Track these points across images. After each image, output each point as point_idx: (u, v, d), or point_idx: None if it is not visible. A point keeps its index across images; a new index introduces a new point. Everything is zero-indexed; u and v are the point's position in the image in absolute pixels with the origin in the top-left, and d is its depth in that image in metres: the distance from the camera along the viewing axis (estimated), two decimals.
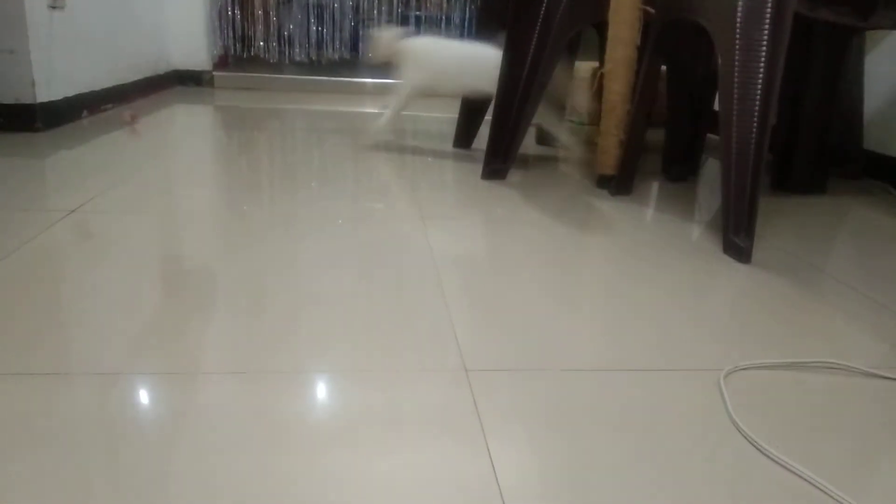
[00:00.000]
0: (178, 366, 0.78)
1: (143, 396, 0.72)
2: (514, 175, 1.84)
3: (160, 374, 0.76)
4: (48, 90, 2.12)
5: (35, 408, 0.68)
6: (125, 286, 0.99)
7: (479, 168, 1.82)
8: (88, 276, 1.02)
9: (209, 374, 0.76)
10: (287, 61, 3.74)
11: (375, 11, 3.72)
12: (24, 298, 0.93)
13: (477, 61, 1.90)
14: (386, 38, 1.98)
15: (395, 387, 0.76)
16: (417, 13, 3.82)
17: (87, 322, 0.87)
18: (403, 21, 3.74)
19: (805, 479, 0.63)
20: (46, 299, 0.93)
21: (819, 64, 1.72)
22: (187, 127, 2.36)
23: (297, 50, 3.74)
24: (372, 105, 3.22)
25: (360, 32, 3.74)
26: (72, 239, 1.18)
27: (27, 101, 2.05)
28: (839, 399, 0.79)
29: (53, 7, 2.15)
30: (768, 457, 0.66)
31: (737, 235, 1.25)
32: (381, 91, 3.61)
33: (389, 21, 3.73)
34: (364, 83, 3.64)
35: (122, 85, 2.74)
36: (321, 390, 0.75)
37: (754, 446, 0.68)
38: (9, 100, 2.04)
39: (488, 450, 0.65)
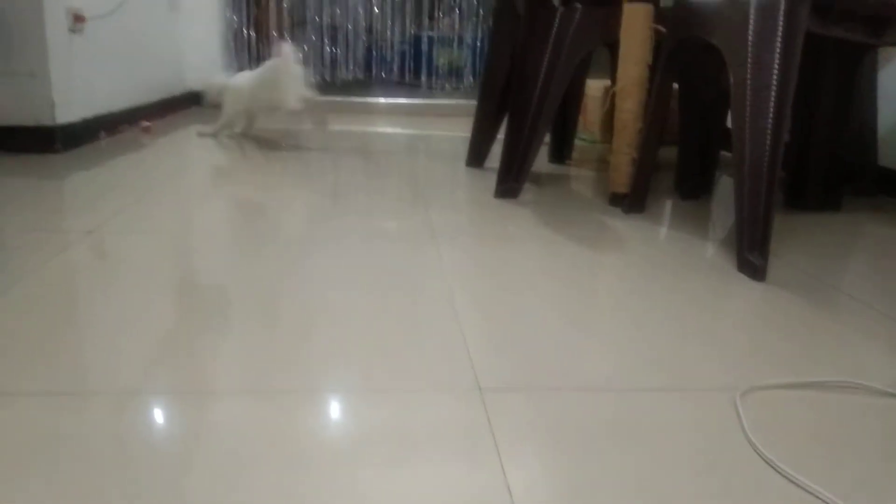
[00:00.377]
0: (192, 385, 0.78)
1: (158, 416, 0.72)
2: (527, 193, 1.85)
3: (174, 393, 0.76)
4: (67, 112, 2.16)
5: (51, 427, 0.69)
6: (141, 305, 1.00)
7: (491, 186, 1.83)
8: (105, 296, 1.03)
9: (223, 393, 0.77)
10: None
11: (388, 32, 3.76)
12: (41, 318, 0.94)
13: (267, 82, 2.39)
14: (213, 84, 2.55)
15: (408, 406, 0.76)
16: (430, 33, 3.85)
17: (103, 341, 0.88)
18: (416, 41, 3.77)
19: (822, 500, 0.63)
20: (63, 319, 0.94)
21: (831, 81, 1.72)
22: (202, 147, 2.39)
23: (312, 70, 3.78)
24: (385, 124, 3.25)
25: (374, 53, 3.78)
26: (89, 259, 1.19)
27: (47, 123, 2.08)
28: (857, 418, 0.78)
29: (73, 31, 2.20)
30: (785, 477, 0.66)
31: (751, 253, 1.25)
32: (395, 111, 3.64)
33: (403, 42, 3.76)
34: (377, 103, 3.67)
35: (139, 106, 2.78)
36: (334, 409, 0.75)
37: (771, 466, 0.67)
38: (29, 122, 2.08)
39: (503, 469, 0.65)
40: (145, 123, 2.43)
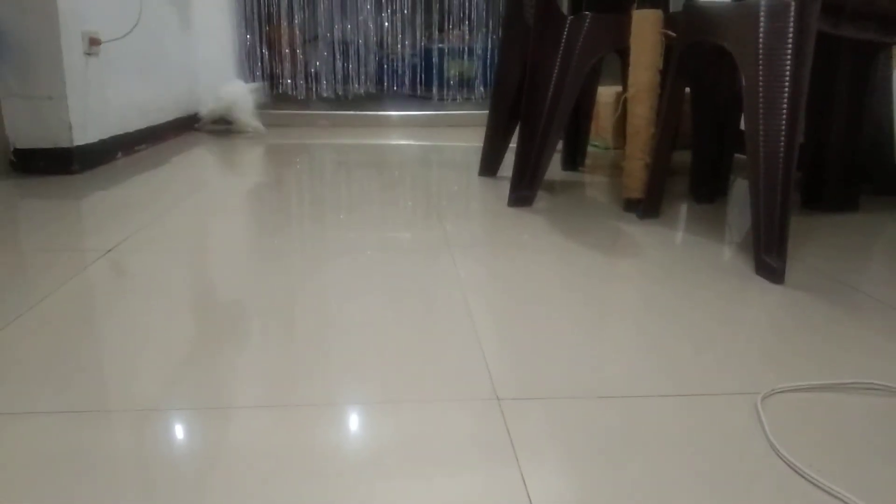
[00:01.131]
0: (212, 400, 0.79)
1: (178, 432, 0.73)
2: (541, 201, 1.85)
3: (194, 409, 0.77)
4: (84, 134, 2.19)
5: (70, 444, 0.69)
6: (159, 322, 1.01)
7: (505, 195, 1.83)
8: (123, 314, 1.04)
9: (242, 409, 0.77)
10: (314, 97, 3.81)
11: (399, 46, 3.79)
12: (61, 336, 0.95)
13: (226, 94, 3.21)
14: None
15: (427, 417, 0.76)
16: (440, 45, 3.88)
17: (123, 358, 0.89)
18: (427, 54, 3.80)
19: (846, 503, 0.62)
20: (83, 336, 0.96)
21: (845, 80, 1.71)
22: (217, 164, 2.42)
23: (324, 86, 3.81)
24: (398, 137, 3.27)
25: (385, 66, 3.81)
26: (108, 277, 1.21)
27: (64, 144, 2.12)
28: (880, 420, 0.77)
29: (89, 53, 2.23)
30: (809, 480, 0.65)
31: (769, 255, 1.24)
32: (407, 123, 3.66)
33: (413, 55, 3.78)
34: (390, 116, 3.70)
35: (154, 126, 2.82)
36: (353, 422, 0.75)
37: (794, 470, 0.66)
38: (48, 144, 2.11)
39: (523, 479, 0.65)
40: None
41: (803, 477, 0.66)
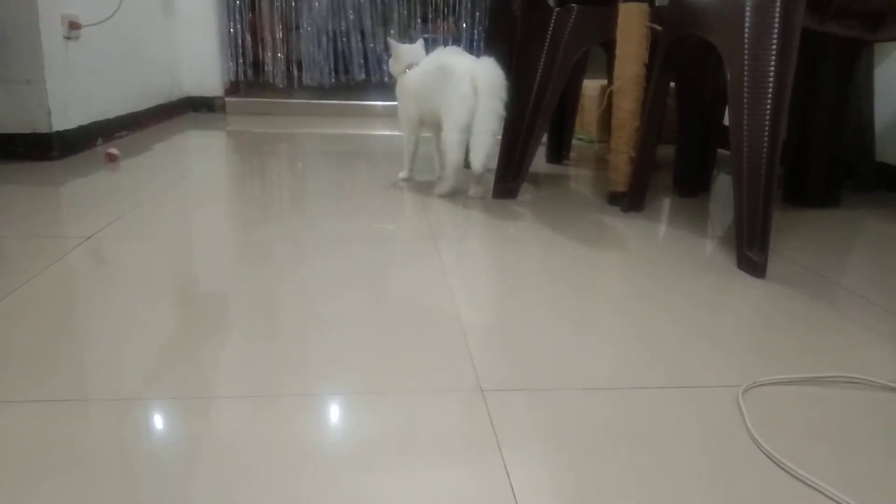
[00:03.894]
0: (193, 390, 0.78)
1: (159, 422, 0.72)
2: (526, 193, 1.85)
3: (175, 398, 0.76)
4: (63, 119, 2.16)
5: (52, 434, 0.68)
6: (140, 311, 1.00)
7: (489, 187, 1.83)
8: (104, 302, 1.03)
9: (224, 398, 0.76)
10: (297, 86, 3.78)
11: (385, 35, 3.76)
12: (41, 325, 0.94)
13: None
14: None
15: (410, 408, 0.76)
16: (426, 36, 3.86)
17: (103, 348, 0.88)
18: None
19: (827, 496, 0.62)
20: (63, 325, 0.94)
21: (829, 77, 1.72)
22: (199, 152, 2.39)
23: (308, 74, 3.78)
24: (382, 127, 3.25)
25: (370, 56, 3.78)
26: (87, 265, 1.19)
27: (43, 130, 2.08)
28: (860, 413, 0.77)
29: (68, 38, 2.19)
30: (789, 473, 0.66)
31: (751, 250, 1.25)
32: (392, 113, 3.64)
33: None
34: (374, 105, 3.68)
35: (136, 112, 2.78)
36: (336, 413, 0.75)
37: (775, 463, 0.67)
38: (26, 129, 2.07)
39: (506, 470, 0.65)
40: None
41: (784, 469, 0.66)
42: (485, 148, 1.65)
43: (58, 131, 2.12)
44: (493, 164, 1.79)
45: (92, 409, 0.73)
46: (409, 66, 1.85)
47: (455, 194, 1.79)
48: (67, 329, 0.93)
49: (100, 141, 2.40)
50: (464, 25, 3.84)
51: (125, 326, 0.94)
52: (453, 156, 1.71)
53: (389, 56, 1.90)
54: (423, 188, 1.89)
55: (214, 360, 0.85)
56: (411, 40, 1.95)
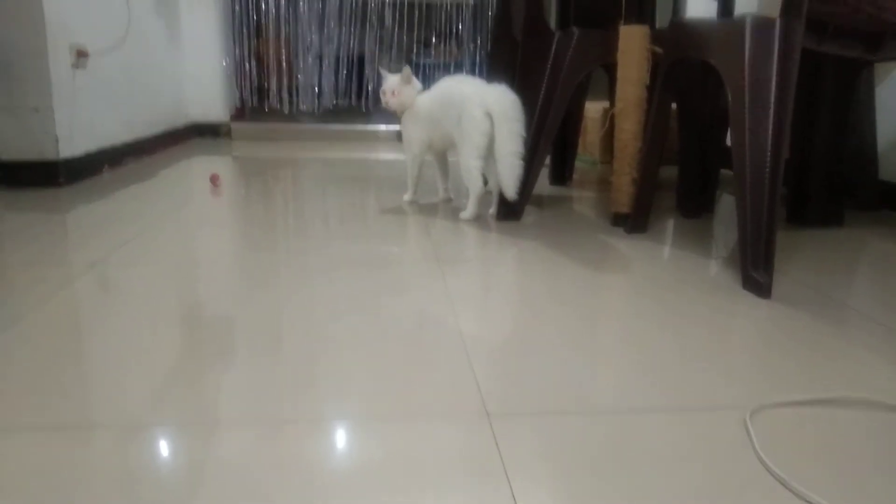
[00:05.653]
0: (198, 416, 0.78)
1: (163, 448, 0.72)
2: (529, 215, 1.85)
3: (180, 424, 0.76)
4: (70, 146, 2.18)
5: (56, 461, 0.68)
6: (144, 337, 1.00)
7: (493, 209, 1.83)
8: (108, 328, 1.03)
9: (228, 424, 0.76)
10: (302, 111, 3.81)
11: (388, 60, 3.80)
12: (45, 352, 0.94)
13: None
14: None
15: (415, 433, 0.75)
16: (428, 60, 3.90)
17: (108, 374, 0.88)
18: (415, 69, 3.82)
19: None
20: (67, 352, 0.94)
21: (829, 96, 1.73)
22: (205, 178, 2.40)
23: (312, 100, 3.81)
24: (385, 150, 3.27)
25: (373, 81, 3.82)
26: (93, 291, 1.20)
27: (50, 157, 2.10)
28: (869, 435, 0.77)
29: (76, 66, 2.22)
30: (798, 495, 0.65)
31: (755, 270, 1.25)
32: (394, 137, 3.67)
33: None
34: (378, 130, 3.70)
35: (142, 139, 2.80)
36: (340, 438, 0.75)
37: (783, 485, 0.66)
38: (33, 156, 2.09)
39: (513, 495, 0.64)
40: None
41: (792, 492, 0.66)
42: (514, 171, 1.66)
43: (64, 158, 2.14)
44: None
45: (95, 435, 0.73)
46: (393, 93, 1.88)
47: (478, 219, 1.80)
48: (72, 356, 0.93)
49: (106, 167, 2.42)
50: (472, 46, 3.88)
51: (129, 352, 0.94)
52: (474, 183, 1.74)
53: (381, 85, 1.92)
54: (427, 210, 1.89)
55: (218, 386, 0.85)
56: (411, 65, 1.97)
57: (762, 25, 1.28)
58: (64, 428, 0.75)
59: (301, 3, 3.70)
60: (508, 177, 1.66)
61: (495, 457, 0.71)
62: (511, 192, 1.67)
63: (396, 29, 3.81)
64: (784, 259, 1.46)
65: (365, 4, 3.74)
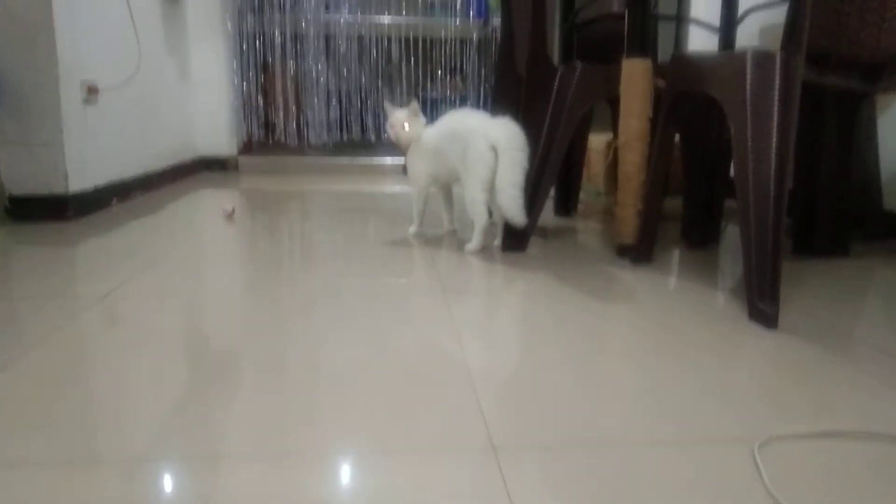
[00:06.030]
0: (204, 450, 0.78)
1: (168, 482, 0.71)
2: (534, 246, 1.86)
3: (185, 459, 0.76)
4: (80, 180, 2.20)
5: (62, 495, 0.68)
6: (151, 371, 1.00)
7: (498, 240, 1.84)
8: (115, 362, 1.03)
9: (234, 458, 0.76)
10: (309, 144, 3.85)
11: (394, 94, 3.85)
12: (52, 386, 0.94)
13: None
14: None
15: (421, 466, 0.75)
16: (434, 94, 3.95)
17: (114, 408, 0.88)
18: (421, 103, 3.86)
19: None
20: (74, 386, 0.94)
21: (832, 128, 1.74)
22: (212, 211, 2.42)
23: (319, 133, 3.86)
24: (392, 183, 3.29)
25: (379, 115, 3.86)
26: (100, 325, 1.20)
27: (59, 191, 2.12)
28: (878, 467, 0.76)
29: (87, 102, 2.26)
30: None
31: (762, 301, 1.24)
32: (400, 169, 3.69)
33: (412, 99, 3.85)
34: (384, 163, 3.73)
35: (150, 173, 2.83)
36: (346, 472, 0.74)
37: None
38: (43, 191, 2.12)
39: None
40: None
41: None
42: (515, 202, 1.67)
43: (74, 192, 2.16)
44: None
45: (101, 469, 0.73)
46: (404, 126, 1.90)
47: (484, 250, 1.81)
48: (78, 389, 0.93)
49: (114, 201, 2.45)
50: (477, 81, 3.92)
51: (135, 386, 0.95)
52: (479, 216, 1.75)
53: (386, 119, 1.95)
54: (433, 242, 1.90)
55: (224, 419, 0.85)
56: (418, 99, 2.00)
57: (763, 59, 1.29)
58: (70, 462, 0.75)
59: (307, 40, 3.76)
60: (510, 207, 1.67)
61: (501, 491, 0.70)
62: (519, 219, 1.68)
63: (402, 63, 3.87)
64: (790, 289, 1.45)
65: (371, 39, 3.80)
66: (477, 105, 3.92)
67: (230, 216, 2.27)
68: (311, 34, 3.76)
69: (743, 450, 0.79)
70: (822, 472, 0.75)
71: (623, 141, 1.69)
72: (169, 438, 0.80)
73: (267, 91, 3.81)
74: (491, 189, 1.71)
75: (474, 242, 1.79)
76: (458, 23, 3.89)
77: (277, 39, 3.73)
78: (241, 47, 3.69)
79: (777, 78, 1.27)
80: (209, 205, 2.59)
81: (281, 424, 0.84)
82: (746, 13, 2.11)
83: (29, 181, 2.11)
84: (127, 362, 1.03)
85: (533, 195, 1.79)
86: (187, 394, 0.92)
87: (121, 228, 2.06)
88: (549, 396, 0.93)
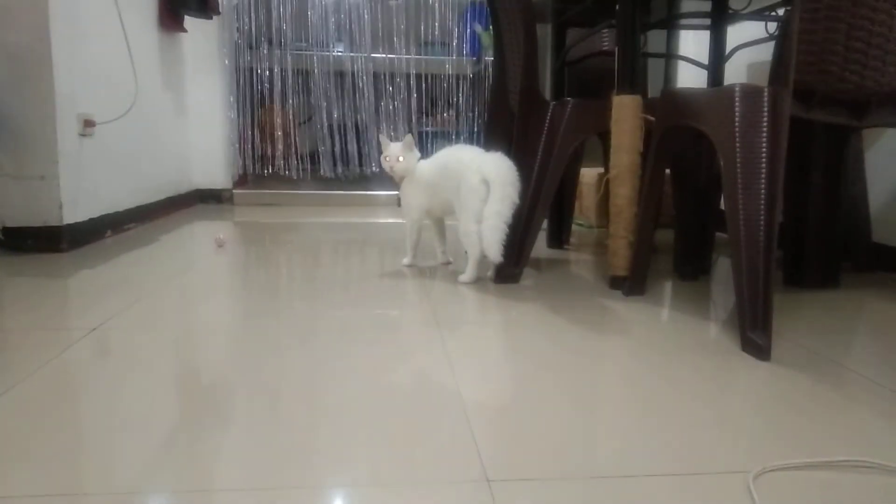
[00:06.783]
0: (196, 483, 0.77)
1: None
2: (527, 278, 1.86)
3: (176, 492, 0.75)
4: (74, 212, 2.21)
5: None
6: (143, 403, 0.99)
7: (491, 272, 1.84)
8: (106, 394, 1.03)
9: (228, 492, 0.75)
10: (303, 178, 3.88)
11: (389, 129, 3.89)
12: (41, 418, 0.93)
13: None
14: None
15: (416, 500, 0.74)
16: (429, 129, 3.99)
17: (106, 440, 0.87)
18: (416, 137, 3.90)
19: None
20: (64, 418, 0.94)
21: (821, 161, 1.77)
22: (207, 243, 2.43)
23: (313, 166, 3.89)
24: (386, 215, 3.31)
25: (371, 148, 3.90)
26: (91, 357, 1.19)
27: (54, 223, 2.13)
28: (873, 498, 0.76)
29: (83, 135, 2.27)
30: None
31: (754, 332, 1.25)
32: (394, 202, 3.72)
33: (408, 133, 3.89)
34: (379, 196, 3.75)
35: (145, 205, 2.84)
36: None
37: None
38: (37, 223, 2.12)
39: None
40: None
41: None
42: (496, 234, 1.68)
43: (68, 224, 2.16)
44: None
45: (90, 503, 0.72)
46: (398, 159, 1.90)
47: (477, 282, 1.81)
48: (68, 422, 0.93)
49: (108, 233, 2.45)
50: (471, 115, 3.97)
51: (127, 418, 0.94)
52: (473, 247, 1.77)
53: (383, 153, 1.96)
54: (426, 273, 1.90)
55: (216, 453, 0.84)
56: (412, 133, 2.02)
57: (751, 94, 1.32)
58: (58, 496, 0.74)
59: (304, 75, 3.81)
60: (489, 238, 1.68)
61: None
62: (494, 251, 1.69)
63: (397, 98, 3.91)
64: (782, 321, 1.46)
65: (367, 75, 3.85)
66: (470, 139, 3.96)
67: (221, 245, 2.29)
68: (310, 69, 3.81)
69: (738, 480, 0.79)
70: (817, 502, 0.75)
71: (614, 174, 1.71)
72: (159, 471, 0.79)
73: (263, 125, 3.84)
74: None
75: (468, 274, 1.80)
76: (453, 59, 3.95)
77: (274, 74, 3.78)
78: (238, 82, 3.73)
79: (765, 112, 1.30)
80: (203, 237, 2.59)
81: (273, 457, 0.83)
82: (734, 50, 2.15)
83: (23, 212, 2.12)
84: (118, 394, 1.02)
85: (526, 227, 1.80)
86: (178, 426, 0.92)
87: (114, 260, 2.05)
88: (543, 428, 0.92)
